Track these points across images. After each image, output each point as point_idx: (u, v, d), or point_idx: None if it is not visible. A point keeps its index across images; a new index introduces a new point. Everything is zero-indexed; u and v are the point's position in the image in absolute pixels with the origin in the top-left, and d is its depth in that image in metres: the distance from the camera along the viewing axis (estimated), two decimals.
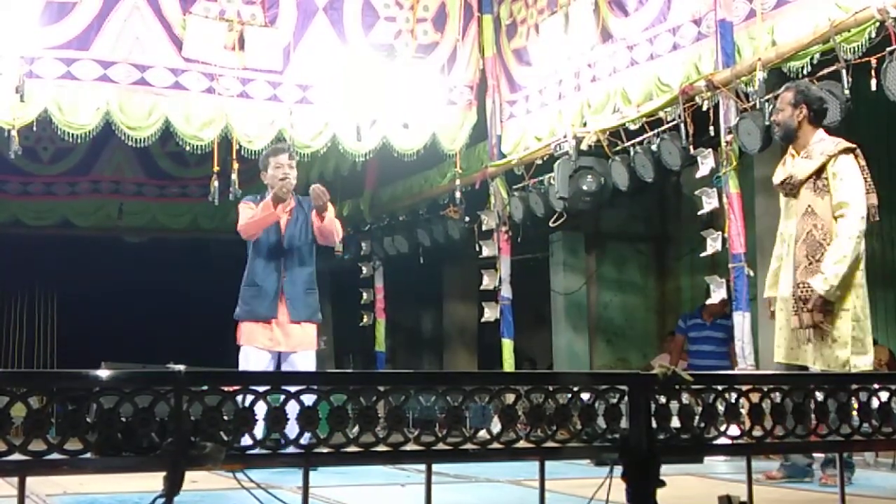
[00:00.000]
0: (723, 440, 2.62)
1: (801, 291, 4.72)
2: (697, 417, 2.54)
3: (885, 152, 8.42)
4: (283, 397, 2.22)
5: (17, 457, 1.97)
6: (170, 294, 12.23)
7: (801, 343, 4.79)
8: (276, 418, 2.18)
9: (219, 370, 2.38)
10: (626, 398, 2.47)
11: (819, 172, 4.75)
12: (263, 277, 5.87)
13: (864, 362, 4.67)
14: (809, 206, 4.77)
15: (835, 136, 4.91)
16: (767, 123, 6.12)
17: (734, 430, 2.61)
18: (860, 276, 4.78)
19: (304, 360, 5.85)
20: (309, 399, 2.20)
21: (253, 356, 5.78)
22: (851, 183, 4.68)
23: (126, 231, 13.38)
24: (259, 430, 2.21)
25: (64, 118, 7.60)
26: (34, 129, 7.88)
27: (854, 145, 4.81)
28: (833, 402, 2.73)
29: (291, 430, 2.21)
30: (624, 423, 2.45)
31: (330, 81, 8.40)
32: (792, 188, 4.87)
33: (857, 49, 5.65)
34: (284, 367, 5.79)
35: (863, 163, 4.79)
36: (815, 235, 4.74)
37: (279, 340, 5.81)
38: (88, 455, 2.03)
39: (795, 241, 4.81)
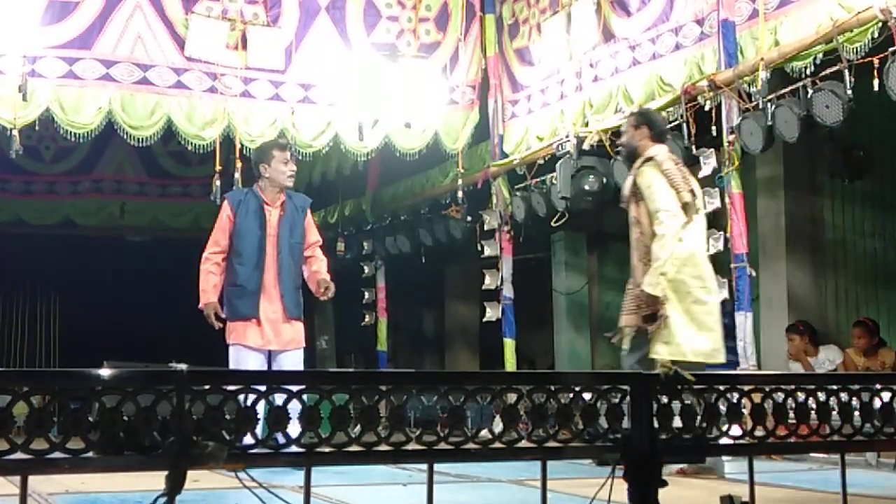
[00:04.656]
0: (725, 440, 2.62)
1: (637, 292, 5.07)
2: (699, 417, 2.54)
3: (887, 152, 8.41)
4: (283, 397, 2.22)
5: (19, 455, 1.97)
6: (172, 293, 12.20)
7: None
8: (278, 417, 2.18)
9: (221, 369, 2.38)
10: (627, 398, 2.47)
11: (634, 184, 5.20)
12: (245, 276, 5.81)
13: (667, 351, 4.93)
14: (634, 216, 5.23)
15: (662, 148, 5.26)
16: (770, 123, 6.13)
17: (736, 430, 2.61)
18: (674, 272, 4.99)
19: (295, 360, 5.82)
20: (294, 399, 2.21)
21: (244, 356, 5.74)
22: (656, 190, 5.06)
23: (128, 230, 13.39)
24: (260, 429, 2.21)
25: (66, 117, 7.61)
26: (36, 128, 7.87)
27: (652, 154, 5.18)
28: (835, 402, 2.74)
29: (293, 429, 2.22)
30: (626, 423, 2.45)
31: (332, 81, 8.40)
32: (626, 202, 5.31)
33: (859, 49, 5.65)
34: (274, 367, 5.74)
35: (667, 166, 5.10)
36: (642, 241, 5.14)
37: (270, 339, 5.77)
38: (90, 454, 2.03)
39: (631, 251, 5.24)
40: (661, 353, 4.92)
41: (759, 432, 2.62)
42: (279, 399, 2.21)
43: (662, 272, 4.94)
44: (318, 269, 6.04)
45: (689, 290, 5.02)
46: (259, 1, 8.21)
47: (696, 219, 5.12)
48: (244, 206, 5.90)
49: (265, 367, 5.73)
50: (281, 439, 2.20)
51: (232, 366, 5.74)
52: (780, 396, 2.66)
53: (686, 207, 5.03)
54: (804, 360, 7.50)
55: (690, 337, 4.99)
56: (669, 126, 6.95)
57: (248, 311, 5.76)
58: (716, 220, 6.96)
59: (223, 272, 5.91)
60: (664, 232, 4.97)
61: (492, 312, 9.27)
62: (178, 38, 7.94)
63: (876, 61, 5.54)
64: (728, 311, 8.48)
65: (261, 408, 2.20)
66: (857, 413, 2.76)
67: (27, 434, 1.98)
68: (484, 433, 2.35)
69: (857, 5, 5.62)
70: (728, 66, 6.44)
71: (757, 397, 2.63)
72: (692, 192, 5.11)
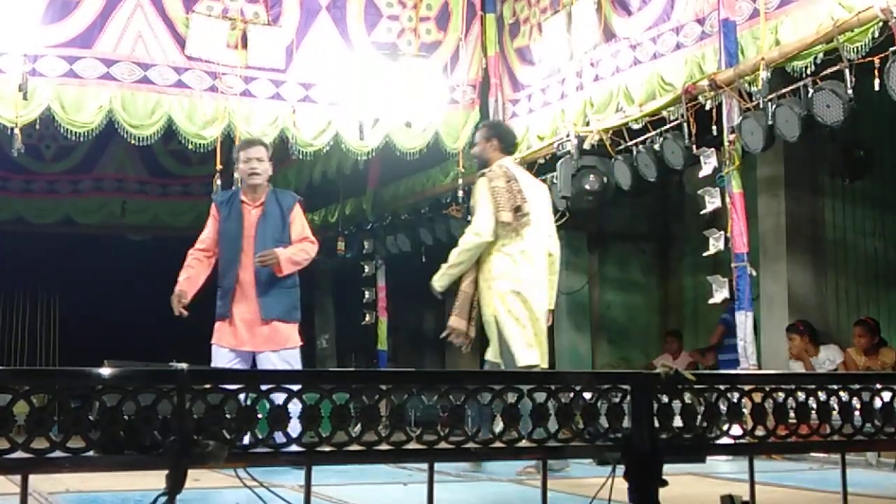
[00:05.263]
0: (725, 440, 2.62)
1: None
2: (700, 417, 2.54)
3: (888, 152, 8.41)
4: (282, 397, 2.21)
5: (19, 455, 1.97)
6: (173, 292, 12.18)
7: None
8: (276, 417, 2.18)
9: (221, 368, 2.38)
10: (628, 397, 2.47)
11: (473, 197, 5.67)
12: (223, 276, 5.80)
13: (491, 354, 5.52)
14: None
15: (506, 161, 5.64)
16: (770, 123, 6.13)
17: (736, 429, 2.61)
18: (506, 285, 5.44)
19: (273, 362, 5.64)
20: (280, 398, 2.20)
21: (217, 355, 5.71)
22: (479, 206, 5.52)
23: (129, 229, 13.39)
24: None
25: (67, 116, 7.60)
26: (37, 127, 7.87)
27: (486, 170, 5.59)
28: (835, 401, 2.74)
29: (294, 428, 2.21)
30: (626, 423, 2.45)
31: (333, 80, 8.40)
32: (472, 211, 5.69)
33: (860, 49, 5.65)
34: (258, 367, 5.62)
35: (495, 184, 5.46)
36: None
37: (244, 340, 5.68)
38: (91, 453, 2.03)
39: None
40: (489, 356, 5.56)
41: (760, 432, 2.62)
42: (278, 400, 2.21)
43: (445, 273, 5.63)
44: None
45: (513, 301, 5.45)
46: (260, 0, 8.21)
47: (526, 231, 5.51)
48: (227, 207, 5.88)
49: (238, 367, 5.65)
50: (281, 438, 2.20)
51: (212, 365, 5.71)
52: (780, 396, 2.66)
53: (506, 226, 5.42)
54: (806, 360, 7.49)
55: (519, 342, 5.41)
56: (673, 125, 6.98)
57: (222, 311, 5.75)
58: (716, 220, 6.97)
59: (207, 269, 5.92)
60: (462, 245, 5.56)
61: None
62: (179, 38, 7.93)
63: (877, 61, 5.53)
64: (729, 309, 8.54)
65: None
66: (857, 413, 2.76)
67: (28, 433, 1.99)
68: (484, 432, 2.36)
69: (858, 5, 5.62)
70: (729, 66, 6.44)
71: (757, 397, 2.63)
72: (518, 209, 5.44)
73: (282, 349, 5.72)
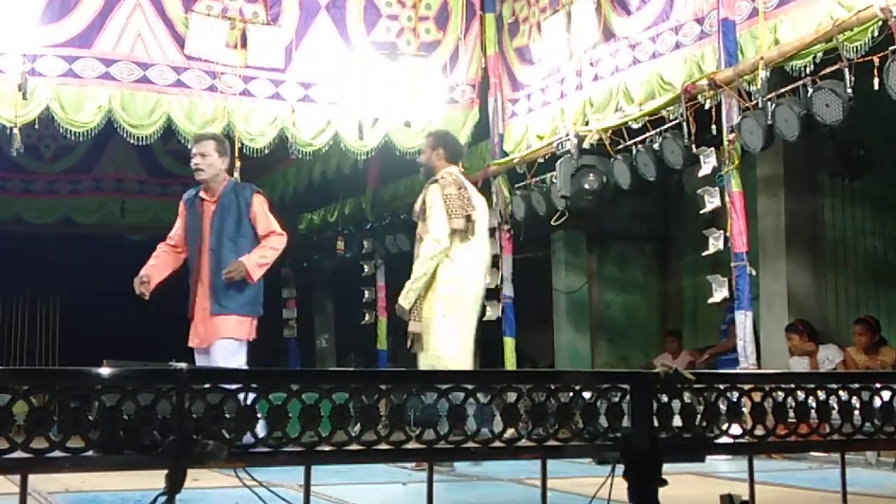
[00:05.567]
0: (725, 439, 2.62)
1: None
2: (699, 416, 2.55)
3: (888, 151, 8.41)
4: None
5: (19, 454, 1.97)
6: (172, 292, 12.16)
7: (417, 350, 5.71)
8: (278, 416, 2.18)
9: (220, 368, 2.38)
10: (627, 397, 2.47)
11: (423, 202, 5.75)
12: (189, 274, 5.85)
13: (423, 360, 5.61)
14: (419, 232, 5.78)
15: (452, 170, 5.83)
16: (770, 122, 6.13)
17: (736, 429, 2.61)
18: (448, 290, 5.62)
19: (213, 357, 5.58)
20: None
21: (196, 358, 5.74)
22: (433, 212, 5.64)
23: (128, 229, 13.37)
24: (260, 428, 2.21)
25: (66, 116, 7.60)
26: (36, 126, 7.85)
27: (438, 177, 5.76)
28: (835, 401, 2.74)
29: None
30: (626, 422, 2.45)
31: (332, 79, 8.40)
32: (416, 217, 5.84)
33: (859, 48, 5.65)
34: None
35: (447, 191, 5.65)
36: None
37: (202, 336, 5.70)
38: (90, 453, 2.03)
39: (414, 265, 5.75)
40: (420, 361, 5.63)
41: (759, 431, 2.62)
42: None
43: (411, 289, 5.63)
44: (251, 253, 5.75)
45: (452, 307, 5.60)
46: (259, 0, 8.21)
47: (472, 240, 5.69)
48: (189, 203, 5.92)
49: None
50: (281, 438, 2.20)
51: None
52: (779, 395, 2.66)
53: (456, 233, 5.62)
54: (811, 358, 7.49)
55: (447, 345, 5.58)
56: (672, 125, 6.99)
57: (189, 311, 5.79)
58: (716, 219, 6.97)
59: (174, 262, 6.00)
60: (425, 255, 5.63)
61: (492, 311, 9.24)
62: (178, 37, 7.93)
63: (876, 60, 5.53)
64: (730, 308, 8.53)
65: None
66: (856, 412, 2.76)
67: (27, 433, 1.99)
68: (484, 432, 2.36)
69: (857, 4, 5.62)
70: (728, 65, 6.44)
71: (757, 396, 2.63)
72: (469, 217, 5.64)
73: (220, 339, 5.64)
